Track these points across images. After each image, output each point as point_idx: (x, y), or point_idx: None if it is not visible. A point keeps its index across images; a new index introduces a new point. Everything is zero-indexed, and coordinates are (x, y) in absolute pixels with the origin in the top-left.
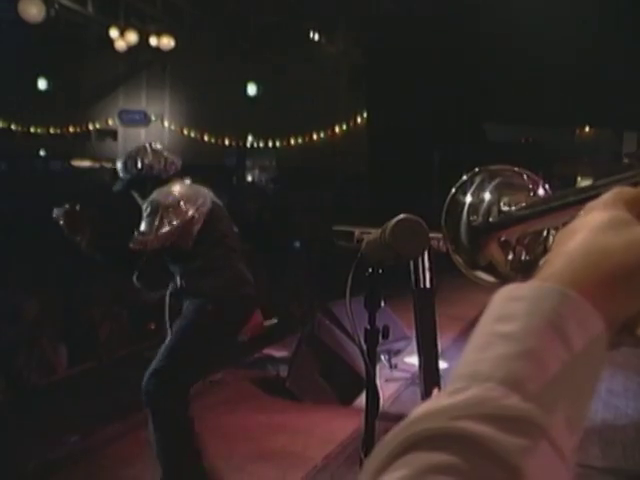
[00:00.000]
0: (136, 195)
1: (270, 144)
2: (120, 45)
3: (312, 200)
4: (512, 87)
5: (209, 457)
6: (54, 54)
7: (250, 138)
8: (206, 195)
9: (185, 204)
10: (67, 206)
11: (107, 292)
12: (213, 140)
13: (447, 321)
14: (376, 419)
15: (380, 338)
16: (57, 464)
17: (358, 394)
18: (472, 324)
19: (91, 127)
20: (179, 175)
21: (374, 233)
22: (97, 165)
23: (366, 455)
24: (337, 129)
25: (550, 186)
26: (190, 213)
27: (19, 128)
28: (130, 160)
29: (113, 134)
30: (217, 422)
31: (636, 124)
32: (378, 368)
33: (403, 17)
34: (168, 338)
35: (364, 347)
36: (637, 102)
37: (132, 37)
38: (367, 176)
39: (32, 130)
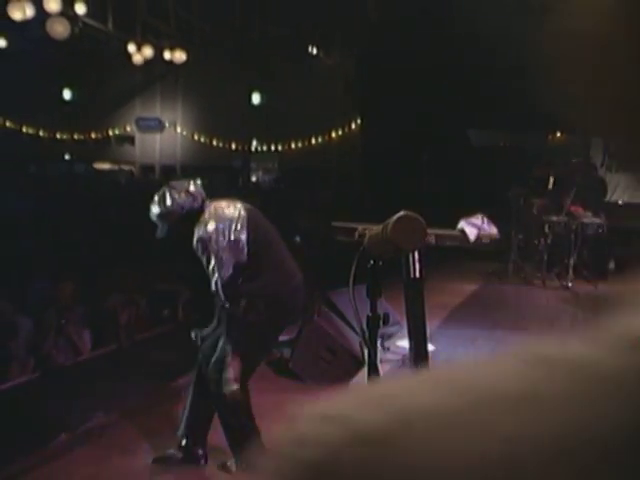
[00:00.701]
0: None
1: (273, 148)
2: (137, 59)
3: (311, 198)
4: (491, 94)
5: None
6: (78, 67)
7: (255, 142)
8: (239, 208)
9: (225, 228)
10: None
11: (127, 282)
12: (221, 144)
13: (435, 308)
14: None
15: (381, 324)
16: (83, 437)
17: (354, 375)
18: (457, 311)
19: (111, 133)
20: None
21: (376, 229)
22: (116, 167)
23: None
24: (334, 134)
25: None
26: (233, 232)
27: (46, 134)
28: (161, 206)
29: (131, 139)
30: None
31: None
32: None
33: (394, 32)
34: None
35: (366, 331)
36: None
37: (148, 52)
38: (361, 176)
39: (58, 136)
